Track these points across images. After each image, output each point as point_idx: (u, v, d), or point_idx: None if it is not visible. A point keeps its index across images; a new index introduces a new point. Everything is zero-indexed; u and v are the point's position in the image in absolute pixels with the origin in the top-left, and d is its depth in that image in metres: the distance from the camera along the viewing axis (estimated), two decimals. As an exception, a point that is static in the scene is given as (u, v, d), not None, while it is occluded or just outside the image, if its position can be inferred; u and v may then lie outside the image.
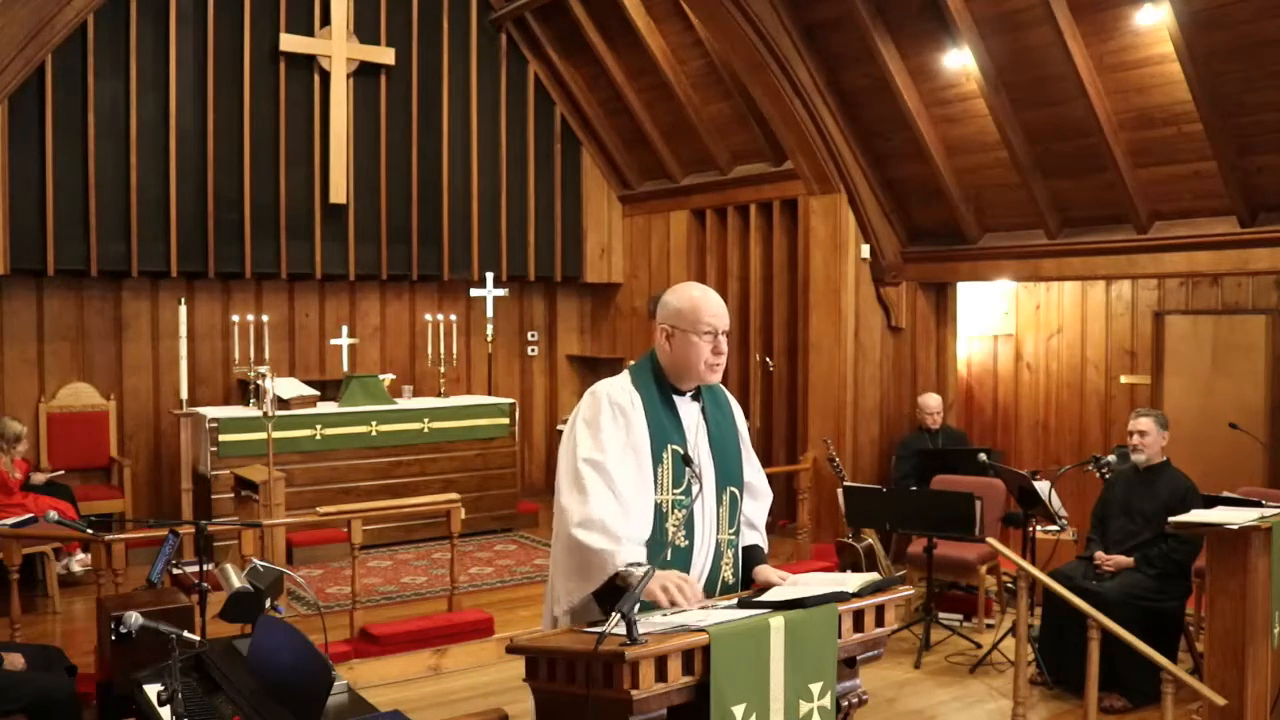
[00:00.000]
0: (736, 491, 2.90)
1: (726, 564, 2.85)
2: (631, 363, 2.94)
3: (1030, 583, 4.70)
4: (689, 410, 2.88)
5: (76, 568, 6.87)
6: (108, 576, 5.28)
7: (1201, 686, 4.13)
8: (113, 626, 4.24)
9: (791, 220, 8.59)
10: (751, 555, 2.98)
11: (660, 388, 2.84)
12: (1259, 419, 6.98)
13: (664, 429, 2.78)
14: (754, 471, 3.02)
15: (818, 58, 7.52)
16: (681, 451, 2.77)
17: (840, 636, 2.52)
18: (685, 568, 2.71)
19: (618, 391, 2.81)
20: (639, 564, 2.54)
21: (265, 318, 8.34)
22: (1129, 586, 5.22)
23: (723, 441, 2.90)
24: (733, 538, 2.88)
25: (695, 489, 2.75)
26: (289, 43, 8.59)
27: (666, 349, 2.83)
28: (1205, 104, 5.71)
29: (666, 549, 2.71)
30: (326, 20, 8.76)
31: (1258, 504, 4.50)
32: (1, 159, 7.59)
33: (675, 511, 2.75)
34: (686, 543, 2.76)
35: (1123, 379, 7.91)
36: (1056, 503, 5.83)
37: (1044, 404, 8.46)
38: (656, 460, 2.75)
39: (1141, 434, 5.43)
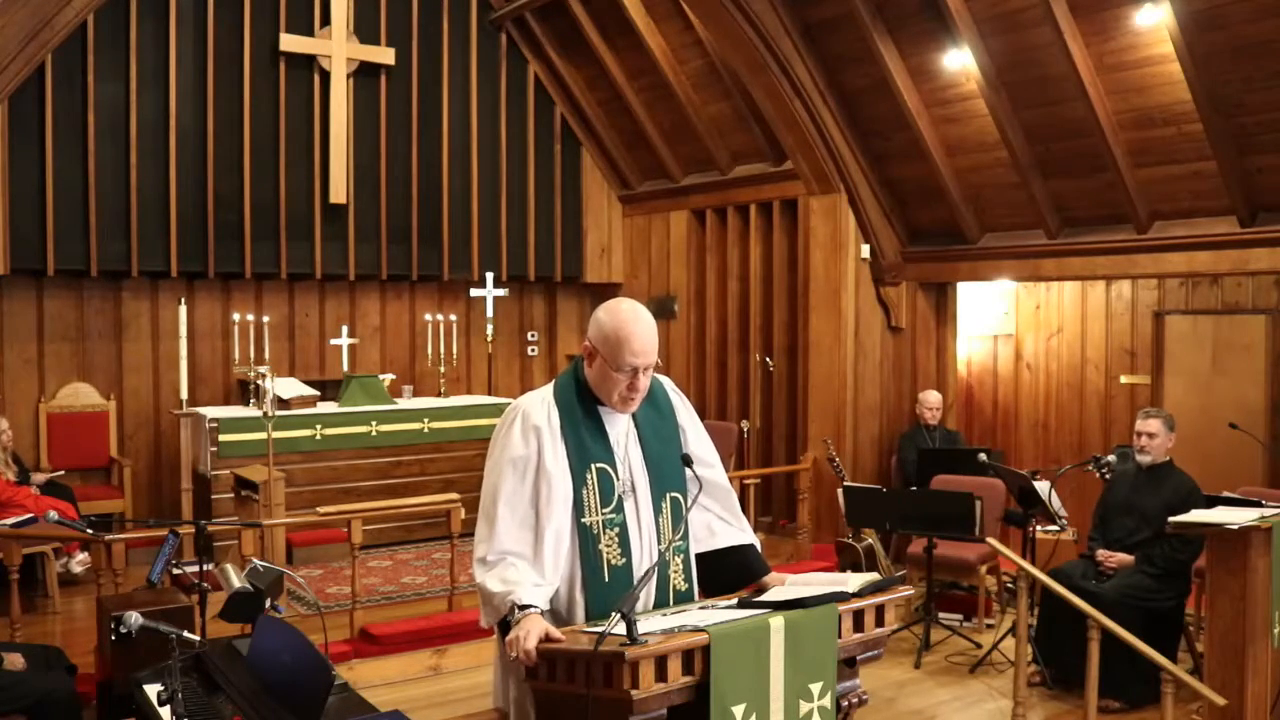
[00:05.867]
0: (679, 496, 2.76)
1: (676, 572, 2.73)
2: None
3: (1030, 583, 4.70)
4: (617, 420, 2.74)
5: (77, 568, 6.87)
6: (108, 576, 5.27)
7: (1201, 686, 4.13)
8: (113, 626, 4.23)
9: (791, 220, 8.59)
10: (749, 560, 2.88)
11: (583, 402, 2.71)
12: (1259, 419, 6.98)
13: (586, 448, 2.66)
14: (709, 467, 2.87)
15: (818, 58, 7.52)
16: (608, 469, 2.67)
17: (840, 636, 2.51)
18: (626, 585, 2.59)
19: (536, 409, 2.69)
20: (530, 605, 2.48)
21: (265, 318, 8.34)
22: (1127, 587, 5.22)
23: (659, 447, 2.78)
24: (680, 543, 2.75)
25: (628, 503, 2.67)
26: (289, 43, 8.58)
27: (588, 367, 2.71)
28: (1205, 104, 5.71)
29: (603, 570, 2.63)
30: (326, 20, 8.76)
31: (1258, 504, 4.50)
32: (1, 159, 7.58)
33: (607, 531, 2.65)
34: (623, 560, 2.65)
35: (1123, 379, 7.92)
36: (1056, 503, 5.84)
37: (1044, 404, 8.46)
38: (580, 482, 2.64)
39: (1150, 435, 5.43)
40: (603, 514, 2.65)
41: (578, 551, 2.64)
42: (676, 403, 2.91)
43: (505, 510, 2.63)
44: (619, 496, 2.68)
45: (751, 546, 2.91)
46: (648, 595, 2.68)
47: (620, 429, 2.75)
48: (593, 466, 2.66)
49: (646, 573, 2.49)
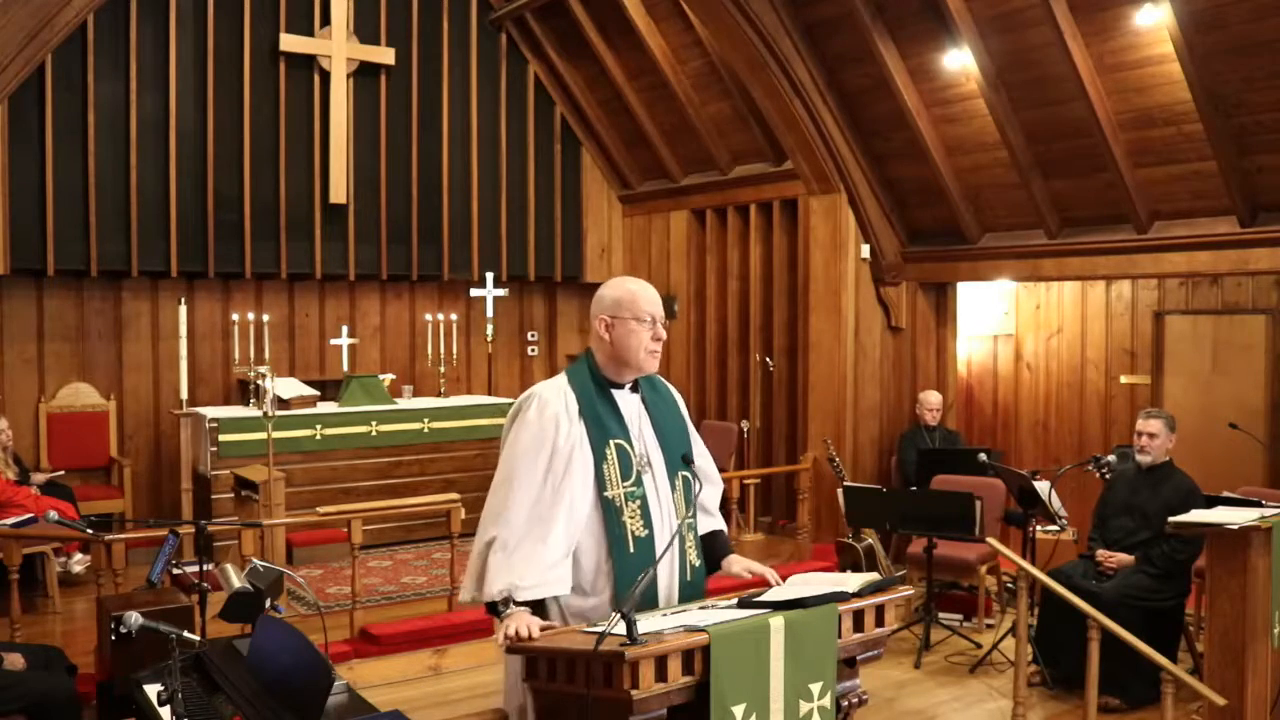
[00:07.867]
0: (689, 475, 2.90)
1: (690, 547, 2.88)
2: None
3: (1030, 583, 4.70)
4: (629, 402, 2.90)
5: (77, 567, 6.86)
6: (108, 576, 5.28)
7: (1201, 686, 4.13)
8: (113, 626, 4.24)
9: (791, 220, 8.59)
10: (716, 543, 3.03)
11: (597, 384, 2.86)
12: (1259, 419, 6.98)
13: (603, 426, 2.80)
14: (700, 456, 3.01)
15: (818, 58, 7.52)
16: (625, 445, 2.80)
17: (840, 636, 2.52)
18: (649, 556, 2.72)
19: (552, 394, 2.82)
20: (523, 607, 2.60)
21: (265, 318, 8.34)
22: (1126, 587, 5.22)
23: (667, 428, 2.93)
24: (691, 521, 2.90)
25: (646, 477, 2.80)
26: (289, 43, 8.58)
27: (606, 340, 2.84)
28: (1205, 104, 5.71)
29: (628, 541, 2.74)
30: (326, 20, 8.76)
31: (1258, 504, 4.50)
32: (1, 159, 7.58)
33: (629, 504, 2.78)
34: (646, 532, 2.78)
35: (1123, 379, 7.92)
36: (1056, 503, 5.83)
37: (1044, 404, 8.46)
38: (600, 458, 2.77)
39: (1151, 436, 5.43)
40: (624, 487, 2.78)
41: (603, 525, 2.75)
42: (676, 396, 3.09)
43: (521, 491, 2.72)
44: (637, 471, 2.81)
45: (721, 532, 3.09)
46: (671, 572, 2.79)
47: (633, 409, 2.90)
48: (611, 443, 2.80)
49: (644, 574, 2.52)
